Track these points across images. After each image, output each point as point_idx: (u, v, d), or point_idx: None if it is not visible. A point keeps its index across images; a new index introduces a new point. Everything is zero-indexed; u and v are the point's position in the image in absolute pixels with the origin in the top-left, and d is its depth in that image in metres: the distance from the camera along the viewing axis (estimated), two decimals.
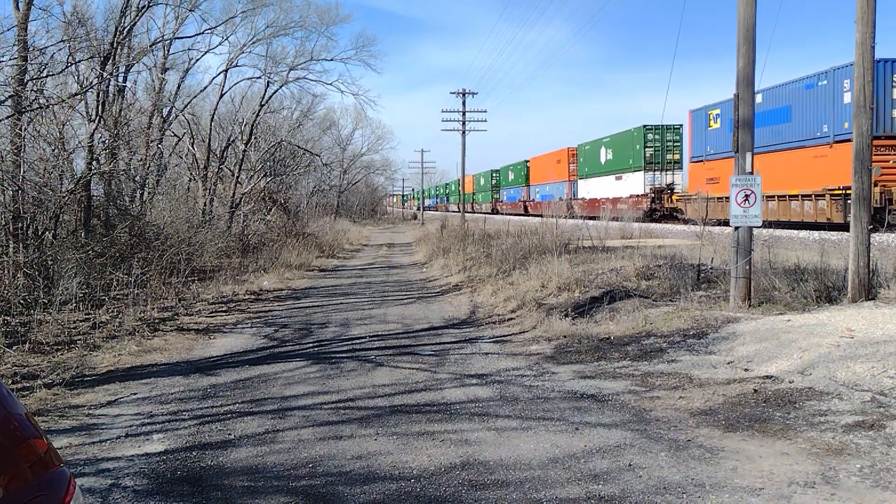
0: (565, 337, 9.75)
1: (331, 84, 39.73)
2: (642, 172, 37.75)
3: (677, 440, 5.42)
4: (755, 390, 6.54)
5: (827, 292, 9.95)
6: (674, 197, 35.24)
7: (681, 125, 37.58)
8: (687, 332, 9.03)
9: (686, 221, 29.97)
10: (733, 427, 5.65)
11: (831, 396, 6.13)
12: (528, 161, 61.76)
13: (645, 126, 37.72)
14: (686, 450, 5.20)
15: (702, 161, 31.56)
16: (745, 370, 7.30)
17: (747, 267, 10.19)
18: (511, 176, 67.59)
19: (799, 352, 7.37)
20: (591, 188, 46.06)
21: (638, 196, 37.79)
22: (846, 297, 9.58)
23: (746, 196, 10.17)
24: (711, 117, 30.59)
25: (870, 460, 4.77)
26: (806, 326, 8.18)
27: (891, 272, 10.22)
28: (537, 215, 41.91)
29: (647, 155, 37.69)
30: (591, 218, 36.03)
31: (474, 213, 71.30)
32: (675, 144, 37.86)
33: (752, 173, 10.32)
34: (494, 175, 74.02)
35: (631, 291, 11.65)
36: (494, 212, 68.73)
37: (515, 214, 56.11)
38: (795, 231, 22.43)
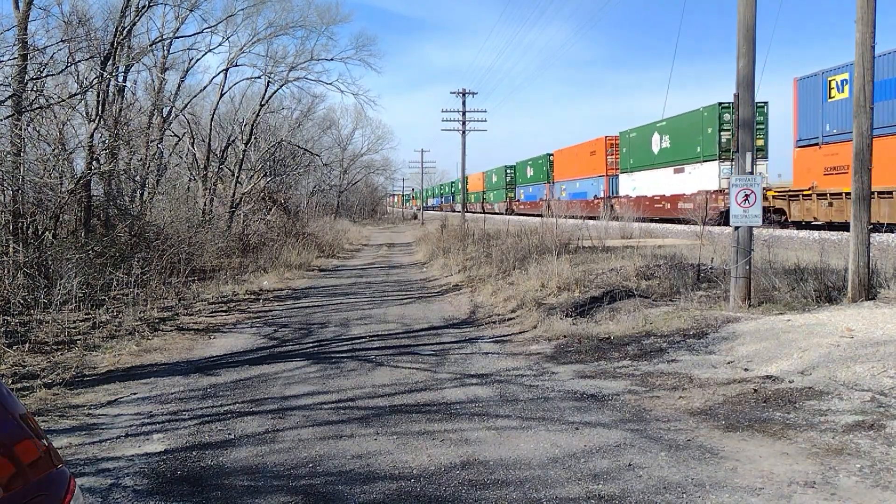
0: (565, 337, 9.75)
1: (331, 84, 39.75)
2: (716, 163, 29.62)
3: (677, 440, 5.42)
4: (755, 390, 6.54)
5: (827, 292, 9.95)
6: (769, 193, 26.42)
7: (765, 103, 29.76)
8: (687, 332, 9.03)
9: (790, 225, 24.08)
10: (733, 427, 5.65)
11: (831, 396, 6.13)
12: (551, 154, 53.76)
13: (721, 104, 29.36)
14: (686, 450, 5.20)
15: (816, 145, 23.54)
16: (745, 370, 7.30)
17: (747, 267, 10.19)
18: (530, 172, 59.18)
19: (799, 352, 7.37)
20: (638, 184, 37.56)
21: (710, 192, 30.07)
22: (846, 297, 9.58)
23: (746, 196, 10.17)
24: (833, 86, 22.66)
25: (870, 460, 4.77)
26: (806, 326, 8.19)
27: (891, 272, 10.22)
28: (565, 217, 34.77)
29: (723, 141, 29.13)
30: (648, 220, 30.60)
31: (484, 213, 62.86)
32: (759, 127, 29.08)
33: (751, 173, 10.33)
34: (509, 171, 65.84)
35: (631, 291, 11.65)
36: (510, 212, 60.84)
37: (536, 215, 46.63)
38: (795, 231, 22.39)
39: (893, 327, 7.64)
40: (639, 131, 37.94)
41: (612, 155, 41.83)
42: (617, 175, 41.05)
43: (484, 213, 66.17)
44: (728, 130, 28.50)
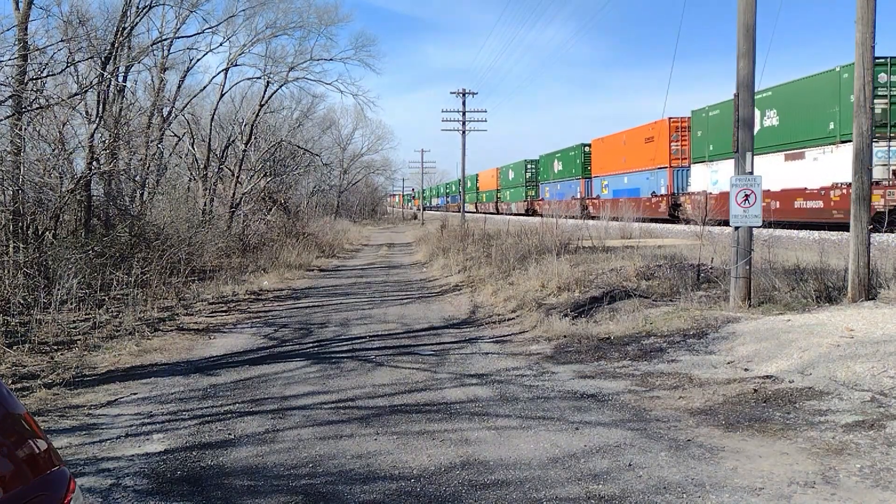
0: (565, 337, 9.75)
1: (330, 84, 39.92)
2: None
3: (677, 440, 5.42)
4: (755, 390, 6.54)
5: (827, 292, 9.95)
6: None
7: None
8: (687, 332, 9.03)
9: None
10: (733, 427, 5.65)
11: (831, 396, 6.13)
12: (587, 145, 45.65)
13: (877, 59, 16.27)
14: (686, 449, 5.20)
15: None
16: (745, 370, 7.30)
17: (747, 267, 10.19)
18: (558, 166, 50.85)
19: (799, 352, 7.37)
20: (722, 176, 27.54)
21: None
22: (846, 297, 9.58)
23: (746, 196, 10.17)
24: None
25: (870, 460, 4.77)
26: (806, 326, 8.18)
27: (891, 272, 10.22)
28: (610, 219, 27.22)
29: (877, 112, 19.73)
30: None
31: (498, 214, 58.22)
32: None
33: (751, 173, 10.33)
34: (530, 167, 58.45)
35: (631, 291, 11.65)
36: (531, 213, 52.49)
37: (568, 217, 35.05)
38: (796, 231, 22.35)
39: (893, 327, 7.64)
40: (723, 108, 28.06)
41: (679, 141, 33.23)
42: (686, 167, 32.27)
43: (498, 213, 60.52)
44: (884, 97, 20.11)
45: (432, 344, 9.90)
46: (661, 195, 33.64)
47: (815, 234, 20.36)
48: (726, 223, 23.57)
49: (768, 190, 24.73)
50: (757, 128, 25.82)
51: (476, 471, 4.97)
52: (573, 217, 32.83)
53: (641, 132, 36.54)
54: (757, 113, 25.42)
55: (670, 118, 33.38)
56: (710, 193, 28.74)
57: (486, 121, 49.04)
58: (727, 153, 26.52)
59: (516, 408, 6.53)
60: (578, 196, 45.36)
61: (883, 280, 9.92)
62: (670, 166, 33.47)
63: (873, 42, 9.37)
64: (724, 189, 26.20)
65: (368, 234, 48.81)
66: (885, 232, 17.34)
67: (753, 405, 6.17)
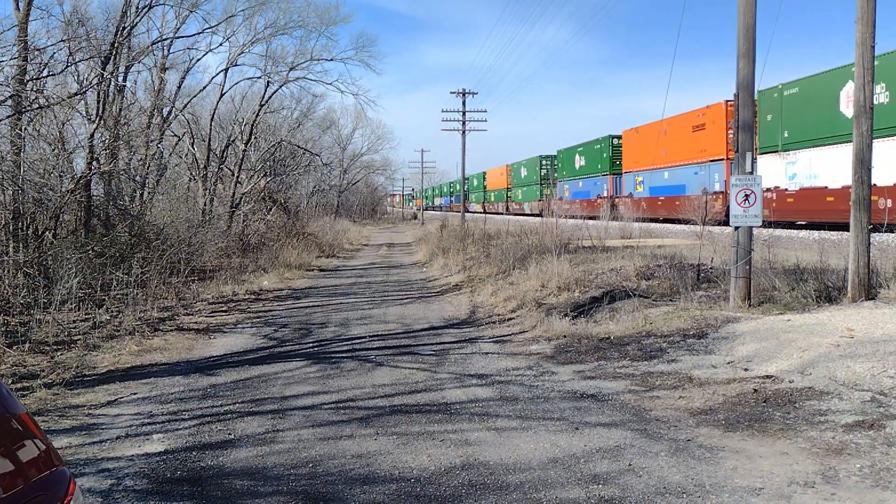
0: (565, 337, 9.75)
1: (330, 84, 39.77)
2: None
3: (677, 440, 5.42)
4: (755, 390, 6.54)
5: (827, 292, 9.95)
6: None
7: None
8: (687, 332, 9.03)
9: None
10: (733, 427, 5.65)
11: (831, 396, 6.13)
12: (616, 137, 40.30)
13: None
14: (686, 450, 5.20)
15: None
16: (745, 370, 7.30)
17: (747, 267, 10.19)
18: (580, 161, 45.61)
19: (799, 351, 7.37)
20: (803, 168, 22.95)
21: None
22: (846, 296, 9.58)
23: (746, 196, 10.17)
24: None
25: (870, 460, 4.77)
26: (806, 326, 8.18)
27: (891, 272, 10.21)
28: (655, 220, 23.39)
29: None
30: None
31: (508, 214, 54.63)
32: None
33: (752, 173, 10.33)
34: (545, 163, 53.21)
35: (631, 291, 11.64)
36: (548, 213, 43.88)
37: (592, 217, 31.22)
38: (795, 231, 22.35)
39: (893, 327, 7.64)
40: (803, 85, 22.94)
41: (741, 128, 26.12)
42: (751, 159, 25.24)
43: (508, 213, 57.03)
44: None
45: (432, 344, 9.90)
46: (716, 192, 28.36)
47: (815, 233, 20.37)
48: (812, 226, 19.49)
49: (875, 185, 19.64)
50: (855, 108, 22.15)
51: (476, 471, 4.97)
52: (596, 217, 28.62)
53: (688, 119, 31.06)
54: (856, 89, 21.43)
55: (727, 101, 27.43)
56: (786, 190, 23.52)
57: (486, 121, 49.11)
58: (813, 140, 22.28)
59: (516, 408, 6.53)
60: (605, 194, 39.57)
61: (883, 280, 9.92)
62: (727, 158, 27.22)
63: (873, 42, 9.37)
64: (814, 184, 21.94)
65: (368, 234, 48.81)
66: (885, 232, 17.29)
67: (753, 405, 6.17)
